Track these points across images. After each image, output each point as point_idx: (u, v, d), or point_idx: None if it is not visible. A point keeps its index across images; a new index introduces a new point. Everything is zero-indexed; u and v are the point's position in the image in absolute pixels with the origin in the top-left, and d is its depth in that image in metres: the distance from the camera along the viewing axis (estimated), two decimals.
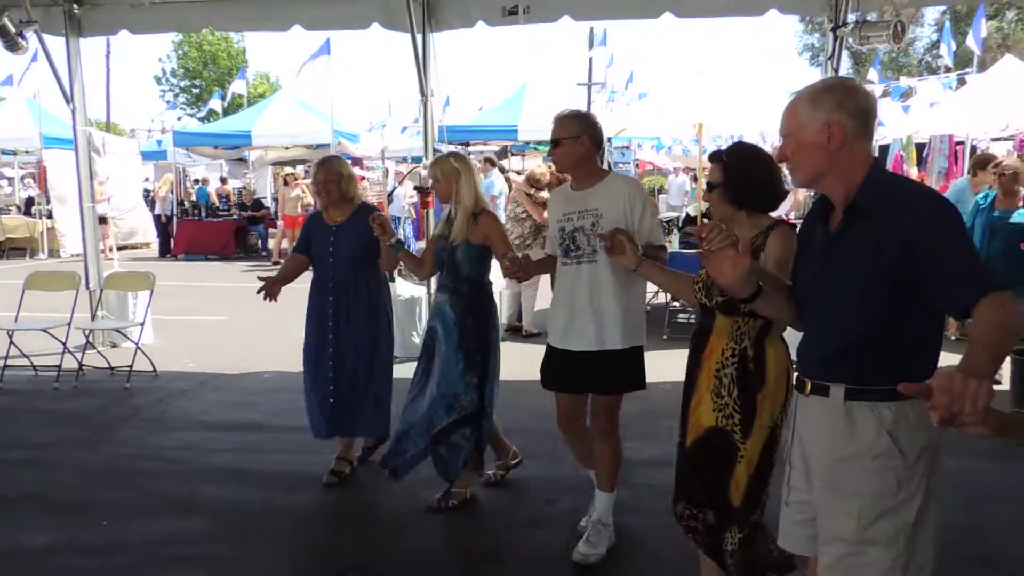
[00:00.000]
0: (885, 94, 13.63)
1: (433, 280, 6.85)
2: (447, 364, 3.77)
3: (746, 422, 2.55)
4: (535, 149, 16.14)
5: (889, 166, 13.99)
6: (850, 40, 5.92)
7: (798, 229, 2.26)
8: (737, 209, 2.62)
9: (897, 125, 13.86)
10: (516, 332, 7.74)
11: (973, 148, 13.86)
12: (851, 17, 5.92)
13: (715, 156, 2.70)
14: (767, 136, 13.33)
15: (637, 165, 22.16)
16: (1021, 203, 5.49)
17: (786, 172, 2.16)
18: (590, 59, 25.03)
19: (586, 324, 3.32)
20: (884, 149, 15.30)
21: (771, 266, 2.44)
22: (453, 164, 3.81)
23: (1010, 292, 1.72)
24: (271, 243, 16.40)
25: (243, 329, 8.60)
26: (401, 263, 4.32)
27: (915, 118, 13.70)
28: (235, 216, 16.81)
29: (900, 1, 5.73)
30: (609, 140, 16.56)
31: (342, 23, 6.76)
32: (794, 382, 2.15)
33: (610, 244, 2.89)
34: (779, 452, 2.53)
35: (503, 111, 15.56)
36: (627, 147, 20.51)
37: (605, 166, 3.81)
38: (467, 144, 18.63)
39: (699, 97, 11.01)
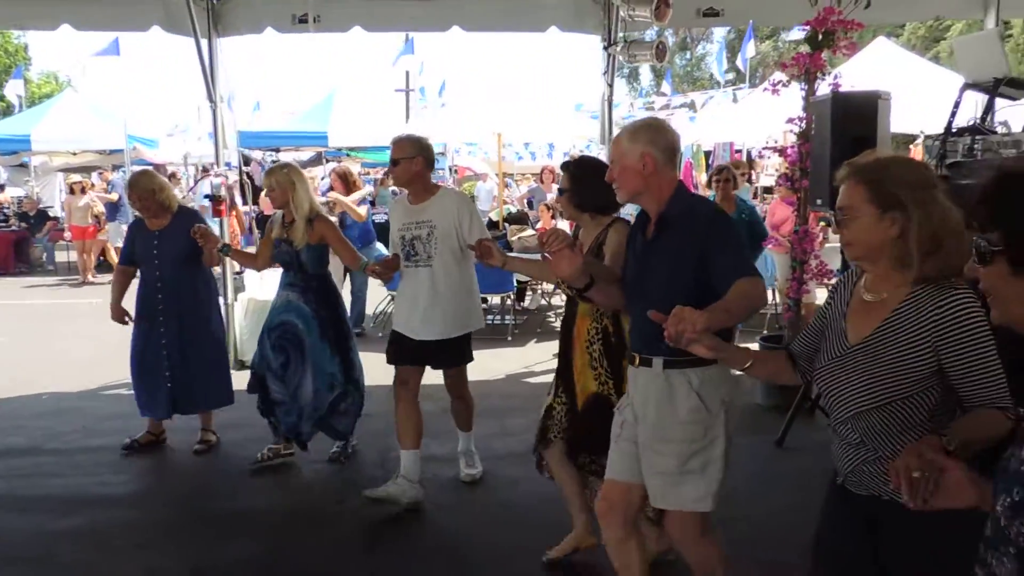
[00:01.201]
0: (668, 106, 14.76)
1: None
2: (317, 353, 4.30)
3: (617, 385, 3.03)
4: (348, 155, 15.98)
5: (681, 172, 15.26)
6: (620, 57, 6.45)
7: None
8: (581, 211, 3.12)
9: (685, 134, 15.10)
10: None
11: (749, 155, 15.39)
12: (620, 36, 6.45)
13: (565, 166, 3.24)
14: (577, 145, 14.04)
15: (455, 171, 22.43)
16: (735, 209, 5.98)
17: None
18: (407, 71, 25.08)
19: (429, 317, 3.94)
20: None
21: (610, 256, 2.91)
22: (287, 175, 4.27)
23: (760, 278, 2.33)
24: (59, 256, 15.12)
25: (18, 350, 7.92)
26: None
27: (700, 127, 14.99)
28: (14, 227, 15.33)
29: (662, 24, 6.30)
30: None
31: (118, 24, 6.46)
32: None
33: (479, 252, 3.35)
34: None
35: (313, 117, 15.29)
36: (442, 153, 20.77)
37: None
38: (277, 150, 18.12)
39: (499, 107, 11.46)
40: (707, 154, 15.74)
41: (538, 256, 2.66)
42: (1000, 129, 3.71)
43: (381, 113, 16.29)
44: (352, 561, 3.55)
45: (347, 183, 7.87)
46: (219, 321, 4.92)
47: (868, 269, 1.85)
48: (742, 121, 13.46)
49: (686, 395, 2.43)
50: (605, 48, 6.52)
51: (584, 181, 3.08)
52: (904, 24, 15.59)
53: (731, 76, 17.82)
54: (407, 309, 4.01)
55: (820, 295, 6.51)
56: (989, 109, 3.70)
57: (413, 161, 3.88)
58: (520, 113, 12.65)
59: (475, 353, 4.19)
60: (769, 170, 14.31)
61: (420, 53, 18.01)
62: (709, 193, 6.15)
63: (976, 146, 3.56)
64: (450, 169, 21.40)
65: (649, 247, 2.50)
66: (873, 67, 10.13)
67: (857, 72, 9.50)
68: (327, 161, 17.75)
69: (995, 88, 3.70)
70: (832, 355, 1.86)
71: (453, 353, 4.05)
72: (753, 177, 14.33)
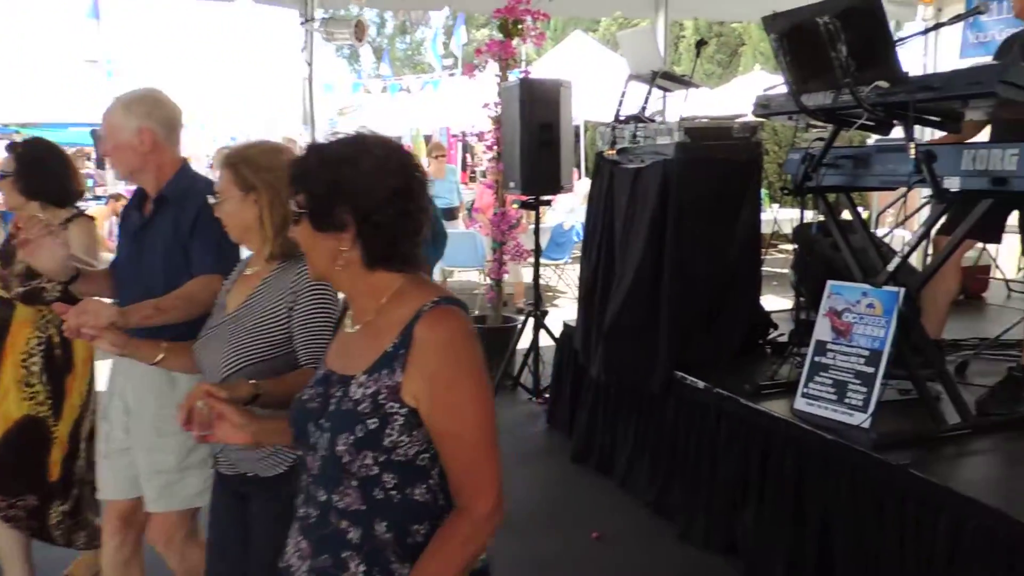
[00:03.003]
0: (386, 89, 14.75)
1: None
2: None
3: (57, 406, 2.73)
4: (17, 132, 13.88)
5: None
6: (319, 35, 6.20)
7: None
8: (28, 200, 2.72)
9: (405, 117, 15.17)
10: None
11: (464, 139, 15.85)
12: (318, 13, 6.20)
13: (11, 147, 2.78)
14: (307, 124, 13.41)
15: None
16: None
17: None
18: (96, 40, 22.42)
19: None
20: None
21: (79, 254, 2.53)
22: None
23: (216, 276, 2.10)
24: None
25: None
26: None
27: (418, 111, 15.10)
28: None
29: (360, 4, 6.16)
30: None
31: None
32: None
33: None
34: (85, 426, 2.80)
35: None
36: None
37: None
38: None
39: (208, 84, 10.64)
40: (427, 138, 15.93)
41: None
42: (657, 118, 4.09)
43: (65, 86, 14.38)
44: None
45: None
46: None
47: (247, 247, 1.97)
48: (456, 106, 13.79)
49: (187, 383, 2.20)
50: (302, 23, 6.23)
51: (33, 166, 2.72)
52: (600, 20, 16.96)
53: (449, 61, 18.14)
54: None
55: (526, 274, 6.80)
56: (648, 98, 4.05)
57: None
58: (231, 90, 11.83)
59: None
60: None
61: (113, 20, 16.10)
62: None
63: (638, 133, 3.88)
64: None
65: (145, 227, 2.32)
66: (571, 58, 10.85)
67: (556, 62, 10.12)
68: None
69: (652, 80, 4.06)
70: (209, 327, 1.92)
71: None
72: (469, 160, 14.78)
